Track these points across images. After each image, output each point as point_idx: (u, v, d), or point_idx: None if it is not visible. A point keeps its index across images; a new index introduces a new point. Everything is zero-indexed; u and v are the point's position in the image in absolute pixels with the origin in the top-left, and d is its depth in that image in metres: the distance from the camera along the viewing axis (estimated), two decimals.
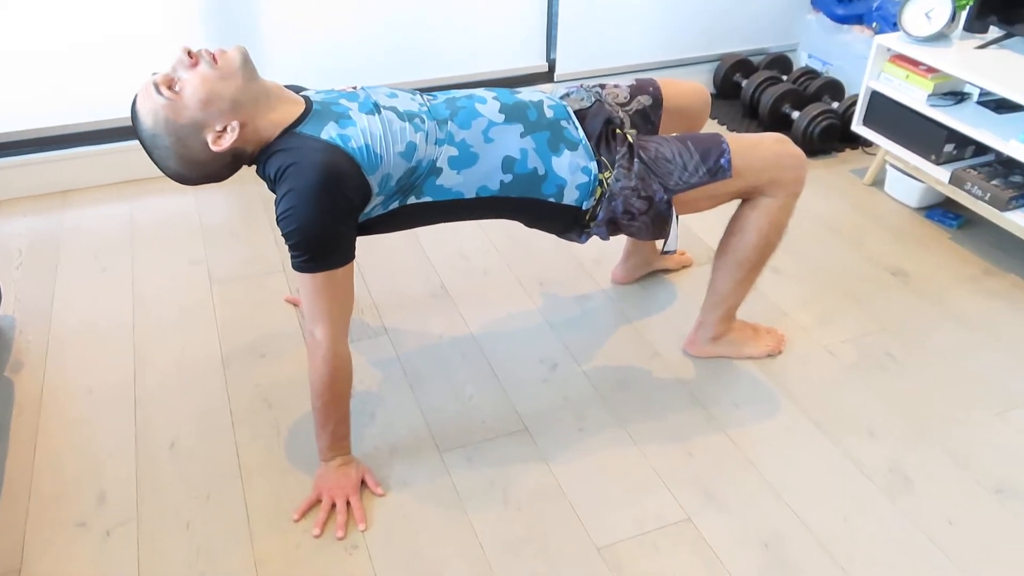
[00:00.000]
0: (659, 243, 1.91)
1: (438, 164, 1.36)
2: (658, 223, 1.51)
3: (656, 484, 1.49)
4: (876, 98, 2.39)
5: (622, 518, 1.42)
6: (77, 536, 1.38)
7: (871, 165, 2.48)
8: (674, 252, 1.60)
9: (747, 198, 1.57)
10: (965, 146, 2.21)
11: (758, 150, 1.52)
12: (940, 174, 2.20)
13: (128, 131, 2.37)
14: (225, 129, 1.26)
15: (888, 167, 2.42)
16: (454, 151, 1.37)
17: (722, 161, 1.48)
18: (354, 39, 2.52)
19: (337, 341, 1.35)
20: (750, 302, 1.94)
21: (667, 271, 2.07)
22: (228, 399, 1.67)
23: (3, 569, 1.32)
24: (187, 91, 1.24)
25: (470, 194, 1.40)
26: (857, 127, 2.47)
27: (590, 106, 1.53)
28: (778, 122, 2.76)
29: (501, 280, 2.04)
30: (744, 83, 2.89)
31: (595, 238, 1.55)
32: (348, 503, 1.43)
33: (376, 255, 2.13)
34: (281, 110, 1.31)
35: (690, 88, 1.74)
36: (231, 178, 1.39)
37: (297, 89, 1.42)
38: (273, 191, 1.30)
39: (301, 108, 1.33)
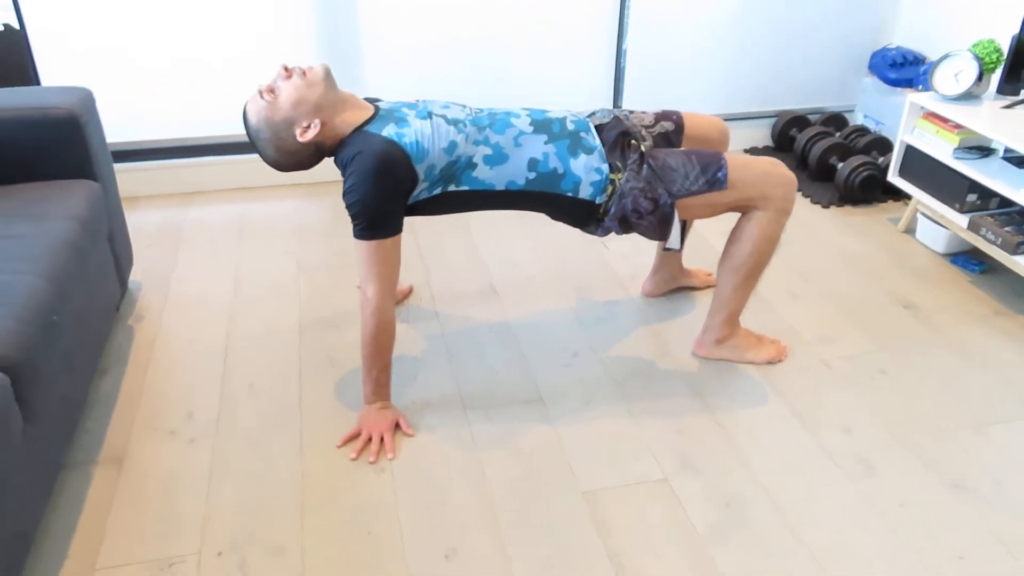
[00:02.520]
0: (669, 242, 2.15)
1: (474, 160, 1.68)
2: (663, 223, 1.77)
3: (643, 450, 1.71)
4: (910, 151, 2.57)
5: (608, 472, 1.65)
6: (168, 440, 1.74)
7: (905, 213, 2.65)
8: (677, 251, 1.85)
9: (743, 211, 1.82)
10: (989, 197, 2.36)
11: (752, 168, 1.77)
12: (962, 221, 2.35)
13: (245, 145, 2.83)
14: (309, 126, 1.63)
15: (919, 215, 2.58)
16: (488, 151, 1.69)
17: (719, 174, 1.74)
18: (440, 70, 2.90)
19: (383, 300, 1.68)
20: (762, 317, 2.16)
21: (693, 288, 2.30)
22: (300, 356, 2.01)
23: (112, 455, 1.69)
24: (282, 96, 1.62)
25: (500, 186, 1.71)
26: (893, 177, 2.65)
27: (609, 121, 1.83)
28: (825, 173, 2.97)
29: (543, 284, 2.33)
30: (798, 136, 3.12)
31: (616, 236, 1.82)
32: (383, 438, 1.72)
33: (439, 256, 2.46)
34: (354, 113, 1.67)
35: (710, 121, 2.01)
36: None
37: (373, 100, 1.78)
38: (343, 175, 1.65)
39: (370, 112, 1.69)
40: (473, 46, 2.89)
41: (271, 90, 1.64)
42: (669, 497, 1.59)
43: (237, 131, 2.76)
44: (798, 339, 2.09)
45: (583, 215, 1.78)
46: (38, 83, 2.60)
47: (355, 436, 1.74)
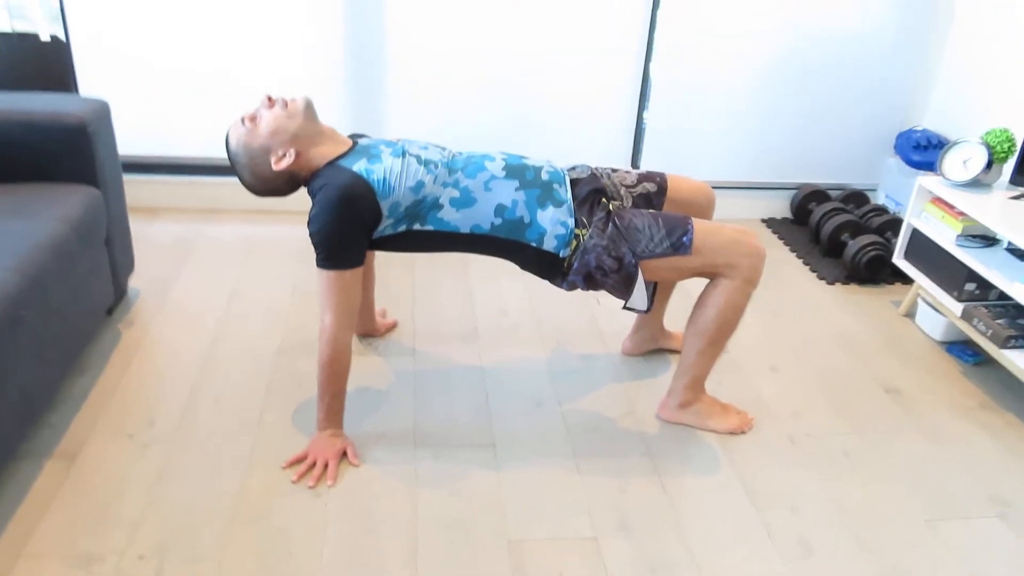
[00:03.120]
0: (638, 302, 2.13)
1: (440, 201, 1.72)
2: (627, 283, 1.78)
3: (581, 506, 1.69)
4: (916, 235, 2.52)
5: (540, 523, 1.64)
6: (124, 443, 1.79)
7: (907, 296, 2.59)
8: (643, 312, 1.84)
9: (710, 277, 1.81)
10: (989, 288, 2.30)
11: (719, 235, 1.77)
12: (957, 309, 2.28)
13: None
14: (284, 155, 1.70)
15: (920, 300, 2.52)
16: (456, 193, 1.73)
17: (684, 239, 1.74)
18: (462, 116, 2.98)
19: (339, 329, 1.71)
20: (735, 387, 2.13)
21: (674, 351, 2.28)
22: (271, 376, 2.06)
23: (67, 451, 1.75)
24: (261, 124, 1.70)
25: (465, 229, 1.74)
26: (897, 259, 2.60)
27: (585, 177, 1.85)
28: (835, 249, 2.93)
29: (526, 334, 2.34)
30: (814, 210, 3.08)
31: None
32: (327, 465, 1.75)
33: (431, 297, 2.50)
34: (330, 147, 1.74)
35: (697, 186, 2.02)
36: None
37: (357, 136, 1.85)
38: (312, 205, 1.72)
39: (346, 147, 1.76)
40: (496, 95, 2.97)
41: (253, 118, 1.72)
42: (593, 556, 1.57)
43: None
44: (767, 412, 2.04)
45: (548, 267, 1.80)
46: (76, 93, 2.77)
47: (301, 459, 1.77)
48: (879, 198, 3.26)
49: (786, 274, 2.83)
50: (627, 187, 1.94)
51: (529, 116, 3.02)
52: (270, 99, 1.72)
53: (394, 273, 2.63)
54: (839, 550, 1.61)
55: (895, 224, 2.94)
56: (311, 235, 1.67)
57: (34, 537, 1.52)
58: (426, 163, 1.74)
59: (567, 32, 2.91)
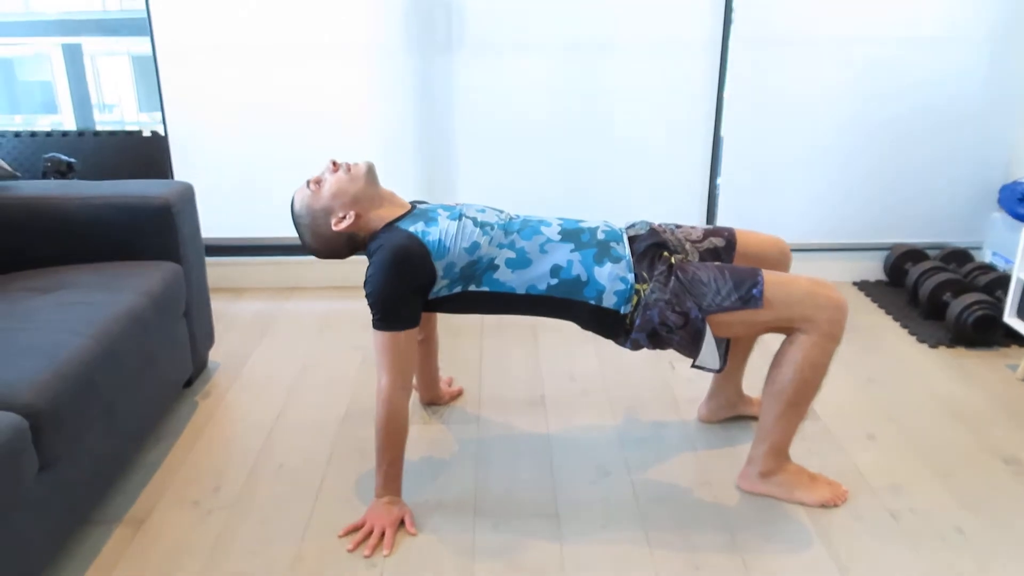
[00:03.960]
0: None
1: (496, 262, 1.70)
2: (694, 339, 1.68)
3: None
4: None
5: None
6: (189, 509, 1.79)
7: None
8: (716, 371, 1.73)
9: (786, 332, 1.68)
10: None
11: (793, 286, 1.65)
12: None
13: None
14: (345, 216, 1.73)
15: None
16: (512, 255, 1.70)
17: (754, 291, 1.64)
18: (530, 182, 2.99)
19: (395, 391, 1.68)
20: (826, 457, 1.96)
21: (753, 418, 2.13)
22: (334, 444, 2.04)
23: (135, 517, 1.77)
24: (325, 187, 1.74)
25: (521, 290, 1.70)
26: (1010, 318, 2.38)
27: (644, 233, 1.79)
28: (936, 311, 2.71)
29: (595, 400, 2.25)
30: (911, 270, 2.89)
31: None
32: (384, 533, 1.69)
33: (498, 364, 2.45)
34: (389, 209, 1.76)
35: (769, 239, 1.92)
36: None
37: (418, 203, 1.87)
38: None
39: (405, 210, 1.77)
40: (564, 159, 2.97)
41: (318, 181, 1.76)
42: None
43: None
44: (863, 485, 1.85)
45: (609, 325, 1.73)
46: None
47: (358, 527, 1.71)
48: (984, 256, 3.02)
49: (881, 338, 2.63)
50: (692, 242, 1.87)
51: (598, 180, 2.99)
52: (335, 164, 1.76)
53: (462, 343, 2.60)
54: None
55: (1004, 282, 2.70)
56: (367, 296, 1.67)
57: None
58: (482, 225, 1.73)
59: (636, 91, 2.90)
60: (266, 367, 2.46)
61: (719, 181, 3.03)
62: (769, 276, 1.67)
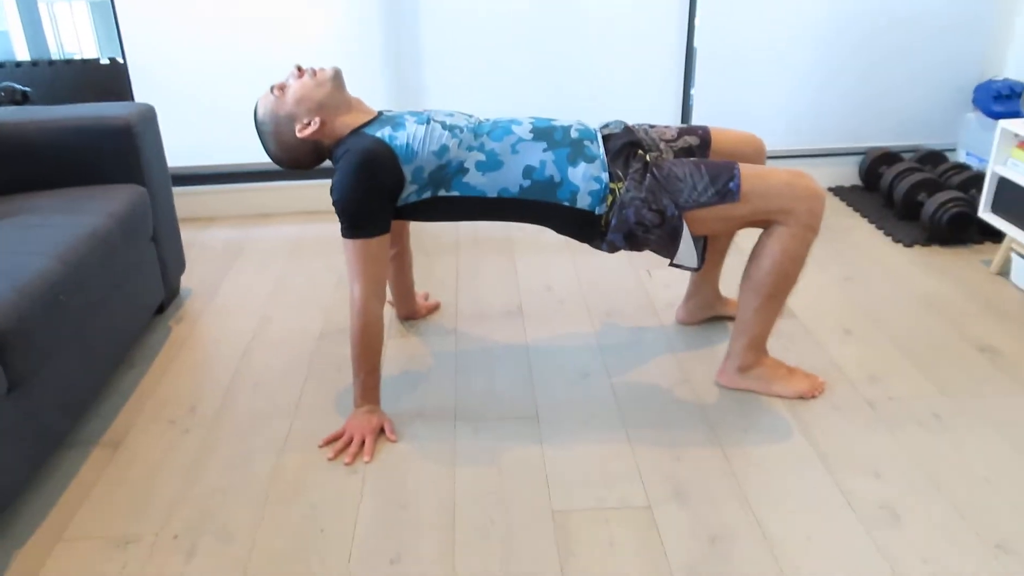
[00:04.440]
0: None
1: (466, 165, 1.65)
2: (672, 238, 1.65)
3: (632, 474, 1.57)
4: (1003, 184, 2.30)
5: (586, 493, 1.52)
6: (166, 429, 1.77)
7: (997, 253, 2.35)
8: (694, 269, 1.71)
9: (764, 226, 1.67)
10: None
11: (770, 178, 1.62)
12: None
13: (309, 172, 2.96)
14: (309, 123, 1.66)
15: (1014, 255, 2.29)
16: (482, 157, 1.65)
17: (731, 185, 1.61)
18: (502, 90, 2.92)
19: (369, 299, 1.65)
20: (803, 352, 1.97)
21: (731, 318, 2.13)
22: (310, 360, 2.02)
23: (112, 439, 1.74)
24: (289, 93, 1.67)
25: (492, 194, 1.66)
26: (984, 213, 2.38)
27: (619, 132, 1.74)
28: (911, 211, 2.71)
29: (573, 309, 2.23)
30: (885, 172, 2.87)
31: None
32: (364, 441, 1.68)
33: (475, 277, 2.43)
34: (355, 116, 1.70)
35: (743, 136, 1.88)
36: None
37: (386, 112, 1.80)
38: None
39: (371, 116, 1.71)
40: (536, 66, 2.89)
41: (282, 87, 1.69)
42: (648, 526, 1.44)
43: None
44: (842, 377, 1.87)
45: (584, 227, 1.69)
46: None
47: (337, 437, 1.70)
48: (959, 157, 3.01)
49: (857, 239, 2.63)
50: (667, 141, 1.83)
51: (571, 87, 2.92)
52: (300, 69, 1.69)
53: (437, 260, 2.57)
54: (933, 517, 1.43)
55: (978, 180, 2.69)
56: (335, 203, 1.62)
57: (74, 521, 1.51)
58: (451, 128, 1.67)
59: (606, 3, 2.81)
60: (239, 291, 2.42)
61: (693, 91, 2.97)
62: (746, 169, 1.64)
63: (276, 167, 2.96)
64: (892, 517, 1.43)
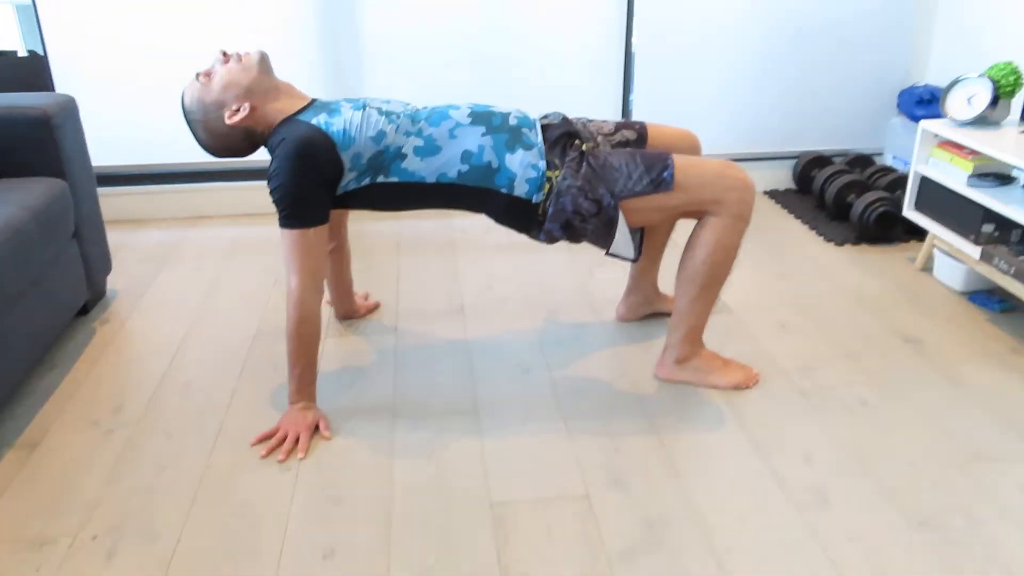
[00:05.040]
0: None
1: (404, 151, 1.63)
2: (608, 227, 1.66)
3: (570, 465, 1.56)
4: (925, 183, 2.39)
5: (525, 484, 1.51)
6: (87, 430, 1.70)
7: (921, 250, 2.44)
8: (630, 259, 1.72)
9: (698, 217, 1.69)
10: (1009, 229, 2.15)
11: (702, 167, 1.65)
12: (976, 253, 2.13)
13: (247, 173, 2.89)
14: (238, 109, 1.63)
15: (936, 251, 2.37)
16: (420, 142, 1.64)
17: (665, 174, 1.63)
18: (441, 87, 2.90)
19: (306, 291, 1.62)
20: (739, 345, 1.99)
21: (669, 315, 2.14)
22: (245, 360, 1.97)
23: (29, 441, 1.66)
24: (215, 79, 1.63)
25: (431, 179, 1.65)
26: (908, 211, 2.46)
27: (557, 122, 1.75)
28: (842, 212, 2.79)
29: (514, 308, 2.23)
30: (816, 175, 2.95)
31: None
32: (298, 438, 1.64)
33: (416, 278, 2.40)
34: (286, 102, 1.66)
35: (679, 132, 1.91)
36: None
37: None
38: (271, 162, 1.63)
39: (304, 103, 1.68)
40: (476, 56, 2.89)
41: (208, 73, 1.65)
42: (585, 513, 1.43)
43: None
44: (775, 368, 1.90)
45: (521, 215, 1.69)
46: None
47: (271, 435, 1.66)
48: (886, 160, 3.12)
49: (791, 240, 2.69)
50: (605, 135, 1.84)
51: (510, 87, 2.92)
52: (224, 54, 1.65)
53: (377, 261, 2.54)
54: (860, 498, 1.46)
55: (904, 181, 2.79)
56: (272, 192, 1.58)
57: None
58: (387, 114, 1.65)
59: (545, 4, 2.84)
60: (170, 292, 2.34)
61: (632, 97, 3.01)
62: (679, 159, 1.66)
63: (211, 167, 2.90)
64: (821, 499, 1.46)
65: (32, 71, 2.71)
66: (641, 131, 1.86)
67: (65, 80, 2.71)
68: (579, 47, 2.91)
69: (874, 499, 1.46)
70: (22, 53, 2.75)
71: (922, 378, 1.85)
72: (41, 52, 2.68)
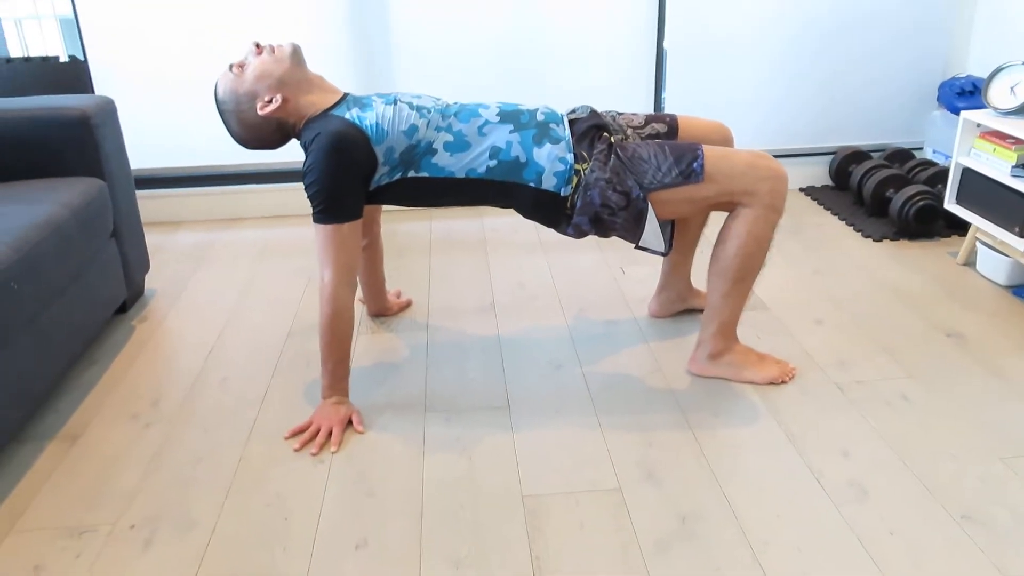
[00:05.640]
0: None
1: (434, 146, 1.64)
2: (637, 220, 1.65)
3: (602, 458, 1.55)
4: (967, 175, 2.33)
5: (557, 477, 1.50)
6: (127, 423, 1.73)
7: (963, 244, 2.38)
8: (661, 253, 1.71)
9: (729, 209, 1.67)
10: None
11: (732, 159, 1.63)
12: (1021, 245, 2.07)
13: (279, 175, 2.93)
14: (271, 100, 1.64)
15: (979, 244, 2.31)
16: (450, 138, 1.64)
17: (695, 165, 1.61)
18: (473, 80, 2.91)
19: (339, 286, 1.63)
20: (774, 340, 1.96)
21: (702, 311, 2.12)
22: (279, 357, 1.99)
23: (70, 433, 1.70)
24: (248, 69, 1.65)
25: (460, 174, 1.65)
26: (949, 205, 2.40)
27: (585, 116, 1.74)
28: (880, 207, 2.73)
29: (545, 304, 2.22)
30: (854, 170, 2.90)
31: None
32: (331, 432, 1.65)
33: (448, 276, 2.41)
34: (319, 96, 1.68)
35: (710, 124, 1.88)
36: None
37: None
38: (305, 156, 1.65)
39: (337, 97, 1.69)
40: (506, 55, 2.89)
41: (241, 65, 1.67)
42: (618, 507, 1.42)
43: (273, 159, 2.86)
44: (812, 363, 1.87)
45: (550, 209, 1.68)
46: None
47: (304, 428, 1.67)
48: (926, 154, 3.05)
49: (828, 235, 2.65)
50: (634, 128, 1.83)
51: (541, 86, 2.91)
52: (258, 46, 1.67)
53: (409, 260, 2.55)
54: (900, 492, 1.43)
55: (945, 175, 2.72)
56: (307, 187, 1.60)
57: (27, 513, 1.46)
58: (419, 108, 1.66)
59: (576, 3, 2.83)
60: (206, 292, 2.38)
61: (664, 95, 2.99)
62: (709, 150, 1.64)
63: (244, 169, 2.94)
64: (860, 493, 1.43)
65: (73, 76, 2.78)
66: (672, 123, 1.85)
67: (104, 84, 2.77)
68: (610, 46, 2.90)
69: (915, 493, 1.42)
70: (63, 59, 2.82)
71: (964, 372, 1.80)
72: (81, 57, 2.74)
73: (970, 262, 2.37)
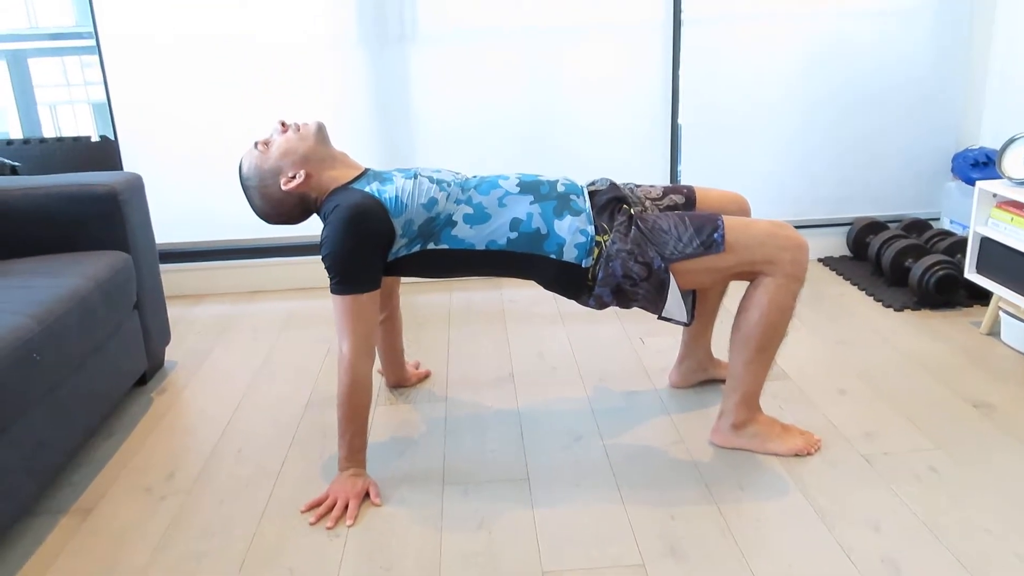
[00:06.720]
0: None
1: (454, 218, 1.66)
2: (659, 290, 1.65)
3: (625, 533, 1.51)
4: (986, 244, 2.32)
5: (578, 552, 1.46)
6: (141, 496, 1.71)
7: (986, 313, 2.35)
8: (683, 323, 1.70)
9: (750, 278, 1.66)
10: None
11: (753, 229, 1.64)
12: None
13: (301, 248, 2.97)
14: (295, 176, 1.68)
15: (1002, 314, 2.28)
16: (470, 210, 1.66)
17: (715, 235, 1.62)
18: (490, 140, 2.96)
19: (358, 356, 1.63)
20: (797, 412, 1.93)
21: (724, 381, 2.09)
22: (296, 428, 1.97)
23: (83, 507, 1.68)
24: (273, 147, 1.70)
25: (480, 246, 1.66)
26: (970, 274, 2.39)
27: (605, 188, 1.76)
28: (900, 277, 2.72)
29: (565, 375, 2.20)
30: (872, 241, 2.90)
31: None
32: (347, 505, 1.62)
33: (467, 348, 2.40)
34: (341, 171, 1.72)
35: (728, 195, 1.90)
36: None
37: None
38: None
39: (358, 172, 1.73)
40: (524, 131, 2.95)
41: (266, 142, 1.72)
42: None
43: (295, 233, 2.91)
44: (837, 434, 1.83)
45: (571, 281, 1.69)
46: None
47: (321, 501, 1.64)
48: (943, 224, 3.05)
49: (848, 305, 2.63)
50: (652, 200, 1.85)
51: (559, 158, 2.97)
52: (283, 124, 1.72)
53: (428, 332, 2.55)
54: (935, 569, 1.37)
55: (963, 245, 2.72)
56: (324, 258, 1.61)
57: None
58: (439, 182, 1.69)
59: (591, 81, 2.91)
60: (226, 363, 2.38)
61: (680, 168, 3.04)
62: (730, 220, 1.65)
63: (266, 243, 2.99)
64: (894, 570, 1.37)
65: (103, 154, 2.87)
66: (689, 195, 1.87)
67: (133, 161, 2.85)
68: (626, 121, 2.96)
69: (951, 570, 1.36)
70: (95, 138, 2.91)
71: (995, 444, 1.76)
72: (112, 136, 2.83)
73: (994, 331, 2.34)
